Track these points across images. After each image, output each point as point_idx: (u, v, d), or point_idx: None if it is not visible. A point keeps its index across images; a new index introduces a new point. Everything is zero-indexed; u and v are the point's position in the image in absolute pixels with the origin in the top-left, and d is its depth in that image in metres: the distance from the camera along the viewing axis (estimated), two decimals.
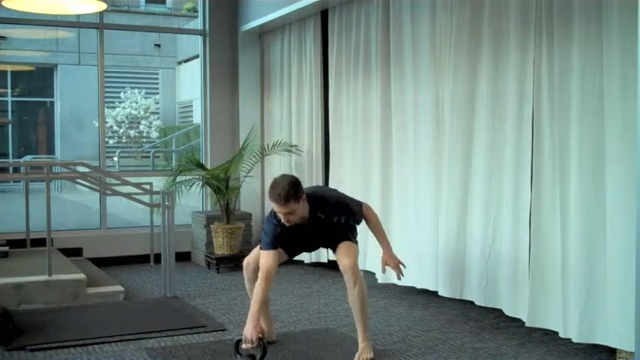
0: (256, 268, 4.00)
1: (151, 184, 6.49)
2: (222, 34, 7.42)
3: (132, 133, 16.14)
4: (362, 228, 5.54)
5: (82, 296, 5.18)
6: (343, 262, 3.87)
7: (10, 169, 11.90)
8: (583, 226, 3.80)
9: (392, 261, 4.04)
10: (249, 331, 3.67)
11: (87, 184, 5.84)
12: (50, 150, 16.50)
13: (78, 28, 13.83)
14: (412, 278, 5.19)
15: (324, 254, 6.21)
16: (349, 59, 5.92)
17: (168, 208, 5.41)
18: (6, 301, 4.71)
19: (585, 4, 3.79)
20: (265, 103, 7.42)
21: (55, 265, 5.24)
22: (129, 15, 16.98)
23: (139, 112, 16.23)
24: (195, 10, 14.95)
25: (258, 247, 4.05)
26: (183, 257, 6.88)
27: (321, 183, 6.37)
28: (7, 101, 16.44)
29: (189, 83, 15.52)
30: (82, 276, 5.29)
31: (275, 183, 3.76)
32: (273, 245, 3.86)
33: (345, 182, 5.87)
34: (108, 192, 6.10)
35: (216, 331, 4.50)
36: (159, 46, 17.13)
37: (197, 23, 8.05)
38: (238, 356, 3.69)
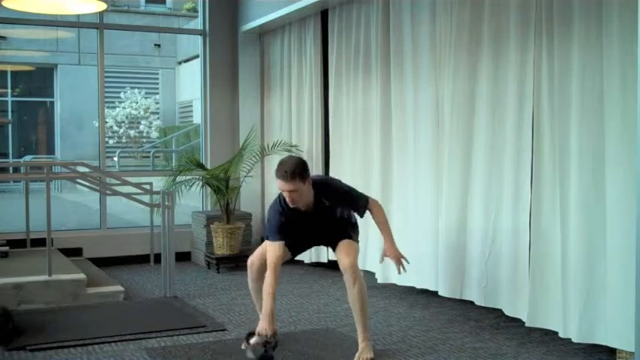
0: (261, 268, 3.99)
1: (151, 184, 6.49)
2: (222, 34, 7.42)
3: (132, 133, 16.14)
4: (362, 228, 5.55)
5: (82, 296, 5.18)
6: (343, 262, 3.87)
7: (10, 169, 11.91)
8: (583, 226, 3.80)
9: (393, 252, 3.98)
10: (264, 329, 3.65)
11: (87, 184, 5.84)
12: (50, 150, 16.50)
13: (78, 28, 13.83)
14: (412, 278, 5.19)
15: (324, 254, 6.21)
16: (349, 59, 5.92)
17: (168, 208, 5.41)
18: (6, 301, 4.71)
19: (585, 4, 3.79)
20: (265, 103, 7.42)
21: (55, 265, 5.24)
22: (129, 15, 16.98)
23: (139, 112, 16.23)
24: (195, 10, 14.95)
25: (262, 245, 4.05)
26: (183, 257, 6.88)
27: None
28: (7, 101, 16.45)
29: (189, 83, 15.52)
30: (82, 276, 5.29)
31: (282, 161, 3.83)
32: (280, 236, 3.86)
33: (345, 181, 5.85)
34: (108, 192, 6.10)
35: (216, 331, 4.50)
36: (159, 46, 17.13)
37: (197, 23, 8.05)
38: (247, 347, 3.72)
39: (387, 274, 5.43)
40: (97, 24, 7.17)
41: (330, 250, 4.17)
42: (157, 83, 17.46)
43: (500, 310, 4.47)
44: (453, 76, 4.73)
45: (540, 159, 4.11)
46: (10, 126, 15.58)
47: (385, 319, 4.80)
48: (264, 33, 7.34)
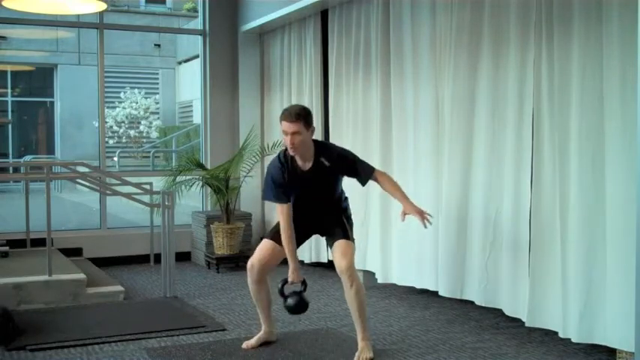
0: (261, 269, 3.99)
1: (151, 184, 6.50)
2: (222, 34, 7.42)
3: (132, 133, 16.13)
4: (362, 228, 5.55)
5: (82, 296, 5.18)
6: (340, 264, 3.86)
7: (10, 169, 11.91)
8: (583, 226, 3.80)
9: (413, 209, 3.85)
10: (292, 275, 3.91)
11: (87, 184, 5.84)
12: (50, 150, 16.49)
13: (78, 28, 13.83)
14: (412, 278, 5.19)
15: (324, 254, 6.21)
16: (349, 59, 5.92)
17: (168, 208, 5.41)
18: (6, 301, 4.71)
19: (585, 4, 3.79)
20: (265, 103, 7.42)
21: (55, 265, 5.24)
22: (129, 15, 16.97)
23: (139, 112, 16.22)
24: (195, 10, 14.95)
25: (260, 246, 4.04)
26: (183, 257, 6.87)
27: None
28: (7, 101, 16.44)
29: (189, 83, 15.52)
30: (82, 276, 5.29)
31: (288, 106, 3.96)
32: (283, 197, 3.88)
33: (345, 181, 5.85)
34: (108, 192, 6.10)
35: (216, 331, 4.50)
36: (159, 46, 17.12)
37: (197, 23, 8.05)
38: (284, 298, 3.96)
39: (387, 274, 5.43)
40: (97, 24, 7.17)
41: (330, 250, 4.16)
42: (157, 83, 17.46)
43: (500, 310, 4.47)
44: (453, 76, 4.73)
45: (540, 159, 4.11)
46: (10, 126, 15.57)
47: (385, 319, 4.80)
48: (264, 33, 7.34)
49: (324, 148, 3.97)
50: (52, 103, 16.65)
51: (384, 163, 5.47)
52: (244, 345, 4.11)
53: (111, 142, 15.40)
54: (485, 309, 4.70)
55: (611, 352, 3.81)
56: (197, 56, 8.32)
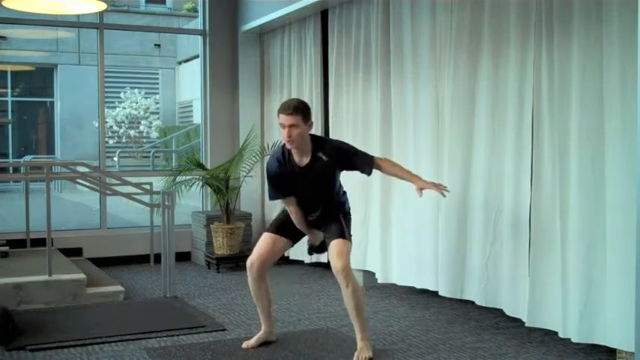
0: (260, 267, 3.99)
1: (151, 184, 6.50)
2: (222, 34, 7.42)
3: (132, 133, 16.13)
4: (361, 228, 5.55)
5: (82, 296, 5.18)
6: (335, 265, 3.86)
7: (10, 169, 11.90)
8: (583, 225, 3.80)
9: (425, 184, 3.89)
10: (311, 239, 4.10)
11: (87, 184, 5.84)
12: (50, 150, 16.49)
13: (78, 28, 13.83)
14: (412, 278, 5.19)
15: (324, 254, 6.19)
16: (349, 59, 5.92)
17: (168, 208, 5.41)
18: (6, 301, 4.71)
19: (585, 4, 3.79)
20: (265, 103, 7.42)
21: (55, 265, 5.24)
22: (129, 15, 16.97)
23: (139, 112, 16.22)
24: (195, 10, 14.95)
25: (259, 243, 4.04)
26: (183, 257, 6.88)
27: None
28: (7, 101, 16.44)
29: (189, 83, 15.52)
30: (82, 276, 5.29)
31: (287, 100, 4.04)
32: (287, 191, 3.94)
33: (345, 181, 5.85)
34: (108, 192, 6.10)
35: (216, 331, 4.50)
36: (159, 46, 17.12)
37: (197, 23, 8.05)
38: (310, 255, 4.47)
39: (387, 274, 5.43)
40: (97, 24, 7.17)
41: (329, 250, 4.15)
42: (157, 83, 17.46)
43: (500, 310, 4.47)
44: (453, 76, 4.73)
45: (540, 159, 4.11)
46: (10, 126, 15.58)
47: (385, 319, 4.80)
48: (264, 33, 7.34)
49: (321, 142, 3.96)
50: (52, 103, 16.65)
51: None
52: (244, 345, 4.11)
53: (111, 142, 15.40)
54: (485, 309, 4.70)
55: (611, 352, 3.81)
56: (197, 56, 8.32)
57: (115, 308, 5.10)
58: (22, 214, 6.59)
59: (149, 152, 14.87)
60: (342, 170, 4.00)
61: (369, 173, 4.02)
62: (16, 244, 6.38)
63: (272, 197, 4.06)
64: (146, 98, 16.41)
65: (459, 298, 4.79)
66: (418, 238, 5.09)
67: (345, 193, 4.12)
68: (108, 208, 7.25)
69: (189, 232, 7.24)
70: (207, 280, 6.21)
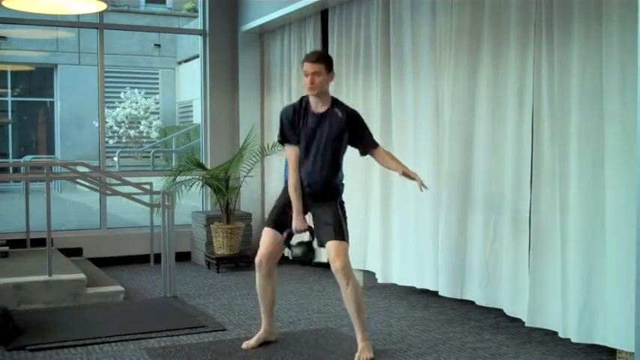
0: (269, 263, 4.00)
1: (151, 184, 6.50)
2: (222, 34, 7.42)
3: (132, 133, 16.14)
4: (361, 228, 5.55)
5: (82, 296, 5.18)
6: (334, 265, 3.86)
7: (10, 169, 11.91)
8: (583, 225, 3.80)
9: (410, 172, 4.01)
10: (298, 224, 3.91)
11: (87, 184, 5.84)
12: (50, 150, 16.50)
13: (78, 28, 13.83)
14: (412, 278, 5.19)
15: (324, 254, 6.19)
16: (349, 59, 5.92)
17: (168, 208, 5.41)
18: (6, 301, 4.71)
19: (585, 4, 3.79)
20: (265, 103, 7.42)
21: (55, 265, 5.24)
22: (129, 15, 16.97)
23: (139, 112, 16.23)
24: (195, 10, 14.95)
25: (263, 239, 4.03)
26: (183, 257, 6.88)
27: None
28: (7, 101, 16.45)
29: (189, 83, 15.52)
30: (82, 276, 5.29)
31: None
32: (294, 137, 3.95)
33: (345, 181, 5.85)
34: (108, 192, 6.10)
35: (216, 331, 4.50)
36: (159, 46, 17.13)
37: (197, 23, 8.05)
38: (291, 248, 4.01)
39: (387, 274, 5.43)
40: (97, 24, 7.17)
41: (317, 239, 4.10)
42: (157, 83, 17.46)
43: (500, 310, 4.47)
44: (453, 76, 4.73)
45: (540, 159, 4.11)
46: (10, 126, 15.59)
47: (385, 319, 4.80)
48: (264, 33, 7.33)
49: (340, 102, 4.11)
50: (52, 103, 16.65)
51: None
52: (244, 345, 4.11)
53: (111, 142, 15.40)
54: (485, 309, 4.70)
55: (611, 352, 3.81)
56: (197, 56, 8.32)
57: (115, 308, 5.11)
58: (22, 214, 6.59)
59: (149, 152, 14.87)
60: (349, 138, 4.02)
61: (364, 153, 4.11)
62: (16, 244, 6.38)
63: (278, 139, 4.13)
64: (146, 98, 16.42)
65: (459, 298, 4.79)
66: (418, 238, 5.09)
67: (343, 185, 4.12)
68: (108, 208, 7.25)
69: (189, 232, 7.24)
70: (207, 280, 6.21)
